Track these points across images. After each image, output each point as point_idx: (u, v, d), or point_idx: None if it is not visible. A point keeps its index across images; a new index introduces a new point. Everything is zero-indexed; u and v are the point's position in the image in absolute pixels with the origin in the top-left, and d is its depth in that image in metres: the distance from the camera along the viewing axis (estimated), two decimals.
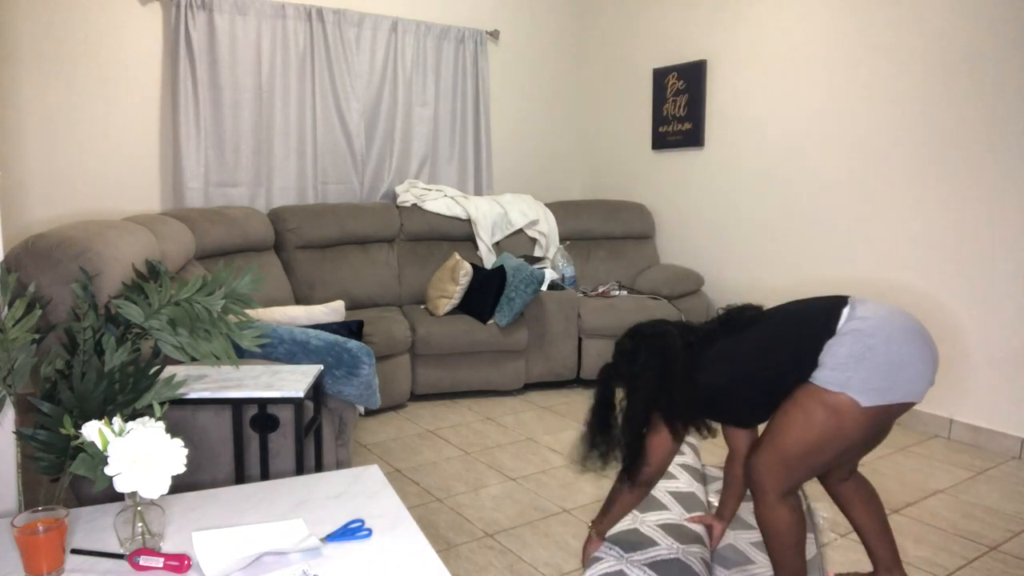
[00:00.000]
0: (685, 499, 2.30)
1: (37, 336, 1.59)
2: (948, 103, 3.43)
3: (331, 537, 1.37)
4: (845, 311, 1.75)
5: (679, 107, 4.80)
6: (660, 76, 4.93)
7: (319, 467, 2.33)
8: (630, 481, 1.90)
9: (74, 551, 1.32)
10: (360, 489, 1.61)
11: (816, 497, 2.41)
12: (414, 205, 4.68)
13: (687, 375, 1.84)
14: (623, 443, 1.89)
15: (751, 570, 2.04)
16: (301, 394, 2.00)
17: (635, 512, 2.16)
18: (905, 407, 1.73)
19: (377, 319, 3.86)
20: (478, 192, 5.15)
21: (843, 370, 1.68)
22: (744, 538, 2.19)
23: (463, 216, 4.69)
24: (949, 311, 3.46)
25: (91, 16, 3.80)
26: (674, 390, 1.83)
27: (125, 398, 1.52)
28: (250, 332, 1.76)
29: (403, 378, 3.89)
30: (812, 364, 1.73)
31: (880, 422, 1.74)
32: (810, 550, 2.05)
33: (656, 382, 1.85)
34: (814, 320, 1.79)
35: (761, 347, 1.83)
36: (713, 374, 1.84)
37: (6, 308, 1.62)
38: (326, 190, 4.62)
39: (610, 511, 1.98)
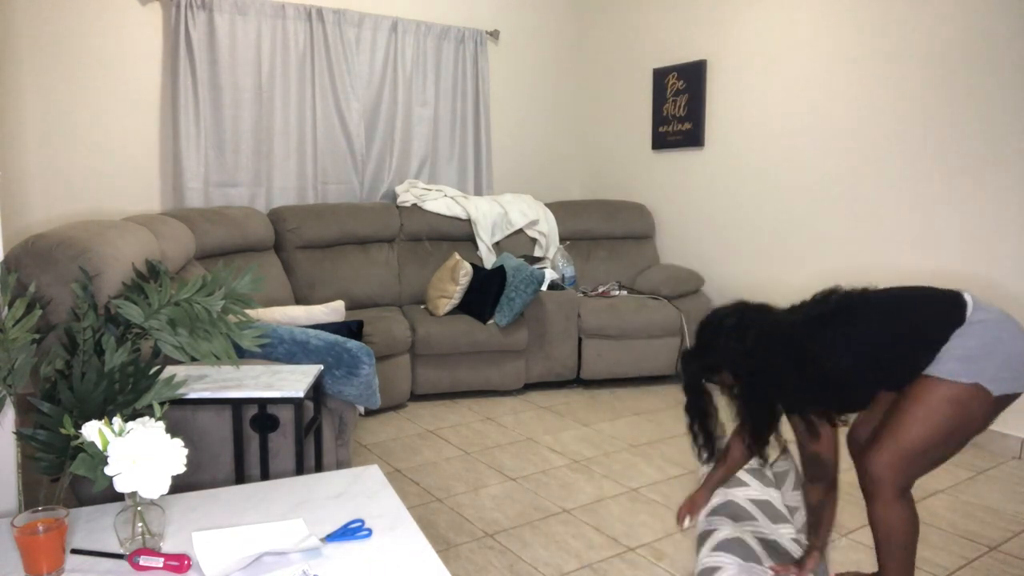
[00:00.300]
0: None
1: (37, 336, 1.59)
2: (948, 101, 3.43)
3: (331, 537, 1.37)
4: (969, 302, 1.78)
5: (679, 107, 4.80)
6: (660, 76, 4.93)
7: (319, 467, 2.33)
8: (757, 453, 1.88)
9: (74, 551, 1.32)
10: (360, 489, 1.60)
11: None
12: (414, 205, 4.68)
13: (812, 356, 1.78)
14: (751, 429, 1.84)
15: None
16: (301, 394, 2.00)
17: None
18: (1013, 399, 1.78)
19: (377, 319, 3.86)
20: (478, 192, 5.15)
21: (974, 361, 1.70)
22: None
23: (463, 216, 4.68)
24: None
25: (91, 16, 3.80)
26: (802, 373, 1.77)
27: (125, 398, 1.52)
28: (250, 332, 1.76)
29: (403, 378, 3.89)
30: (932, 352, 1.73)
31: (1000, 411, 1.77)
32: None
33: (782, 364, 1.76)
34: (938, 309, 1.79)
35: (885, 331, 1.80)
36: (836, 356, 1.78)
37: (6, 308, 1.62)
38: (326, 190, 4.62)
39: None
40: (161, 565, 1.27)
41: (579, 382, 4.41)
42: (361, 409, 3.20)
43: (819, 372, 1.78)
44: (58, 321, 1.95)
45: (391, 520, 1.46)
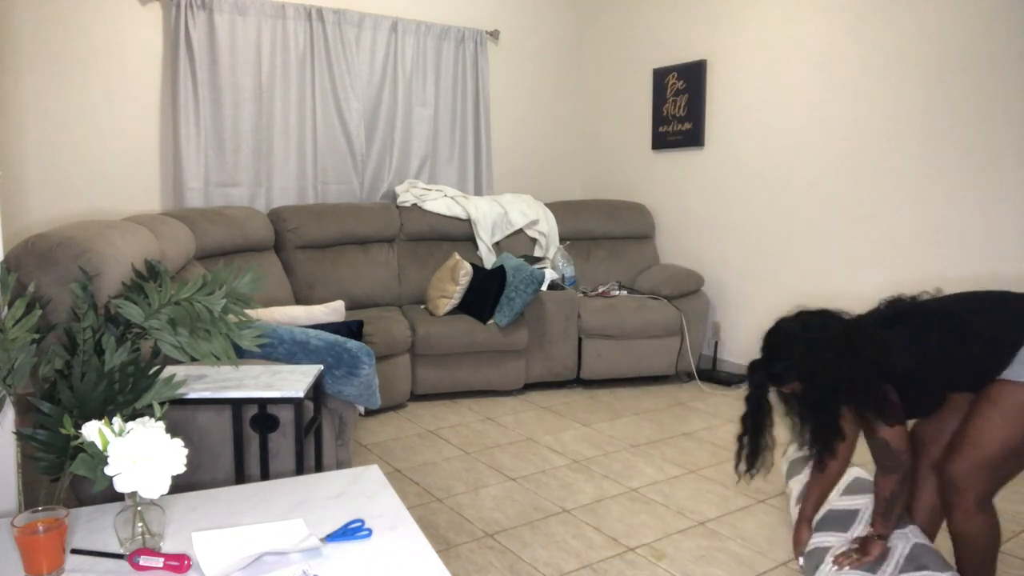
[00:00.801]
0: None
1: (37, 336, 1.59)
2: (949, 102, 3.43)
3: (331, 537, 1.37)
4: None
5: (679, 107, 4.80)
6: (660, 76, 4.93)
7: (319, 467, 2.33)
8: (818, 467, 1.92)
9: (74, 551, 1.32)
10: (360, 489, 1.60)
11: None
12: (414, 205, 4.68)
13: (877, 360, 1.77)
14: (811, 435, 1.83)
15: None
16: (301, 394, 2.00)
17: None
18: None
19: (377, 319, 3.86)
20: (478, 192, 5.15)
21: None
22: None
23: (463, 216, 4.69)
24: None
25: (91, 16, 3.80)
26: (863, 375, 1.76)
27: (125, 398, 1.52)
28: (250, 332, 1.76)
29: (403, 378, 3.89)
30: (1006, 357, 1.73)
31: None
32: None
33: (845, 367, 1.76)
34: (1010, 313, 1.79)
35: (953, 335, 1.80)
36: (899, 358, 1.77)
37: (6, 308, 1.62)
38: (326, 190, 4.62)
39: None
40: (161, 565, 1.27)
41: (579, 382, 4.41)
42: (361, 409, 3.20)
43: (883, 373, 1.78)
44: (58, 321, 1.95)
45: (391, 520, 1.46)
